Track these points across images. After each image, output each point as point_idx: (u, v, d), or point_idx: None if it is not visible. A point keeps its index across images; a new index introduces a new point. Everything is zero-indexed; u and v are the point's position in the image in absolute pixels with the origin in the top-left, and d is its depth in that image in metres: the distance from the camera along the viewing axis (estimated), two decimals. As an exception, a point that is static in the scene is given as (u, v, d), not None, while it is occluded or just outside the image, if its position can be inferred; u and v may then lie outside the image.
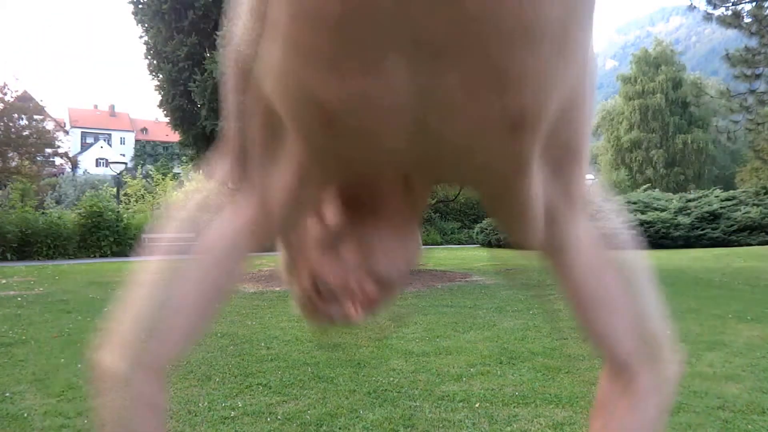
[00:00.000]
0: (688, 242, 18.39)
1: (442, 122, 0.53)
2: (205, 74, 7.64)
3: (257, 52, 0.57)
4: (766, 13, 12.55)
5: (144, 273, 0.75)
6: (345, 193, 0.72)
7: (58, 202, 27.12)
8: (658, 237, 18.52)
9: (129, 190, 22.41)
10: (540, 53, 0.48)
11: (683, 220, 18.63)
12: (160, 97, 8.97)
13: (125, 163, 22.56)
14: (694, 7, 13.70)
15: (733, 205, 19.26)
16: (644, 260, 0.77)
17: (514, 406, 2.91)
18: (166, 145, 67.92)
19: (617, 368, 0.77)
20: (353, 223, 0.72)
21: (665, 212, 19.27)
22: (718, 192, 20.90)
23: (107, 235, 16.48)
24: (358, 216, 0.71)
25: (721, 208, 19.09)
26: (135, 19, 8.97)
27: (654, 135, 44.92)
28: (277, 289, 8.07)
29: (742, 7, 13.19)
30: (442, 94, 0.50)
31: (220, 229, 0.73)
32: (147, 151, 68.95)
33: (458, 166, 0.60)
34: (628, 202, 21.34)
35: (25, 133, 20.99)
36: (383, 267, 0.71)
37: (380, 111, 0.53)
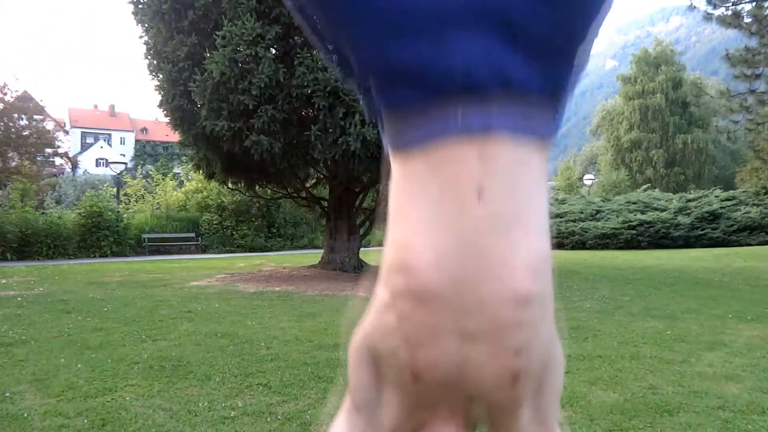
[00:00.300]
0: (688, 242, 18.40)
1: (475, 372, 0.72)
2: (205, 74, 7.63)
3: (377, 333, 0.76)
4: (766, 13, 12.55)
5: None
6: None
7: (58, 202, 27.11)
8: (658, 237, 18.53)
9: (129, 190, 22.39)
10: (529, 335, 0.65)
11: (683, 220, 18.64)
12: (160, 97, 8.97)
13: (125, 163, 22.53)
14: (694, 7, 13.71)
15: (733, 205, 19.27)
16: None
17: (514, 406, 2.91)
18: (166, 145, 67.90)
19: None
20: None
21: (665, 212, 19.27)
22: (718, 192, 20.91)
23: (107, 235, 16.48)
24: None
25: (721, 208, 19.09)
26: (135, 19, 8.96)
27: (654, 135, 44.94)
28: (277, 289, 8.07)
29: (742, 7, 13.19)
30: (476, 356, 0.69)
31: None
32: (147, 151, 68.96)
33: (482, 401, 0.82)
34: (629, 202, 21.37)
35: (25, 133, 20.99)
36: None
37: (444, 370, 0.70)
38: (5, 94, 20.17)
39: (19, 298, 7.18)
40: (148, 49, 8.96)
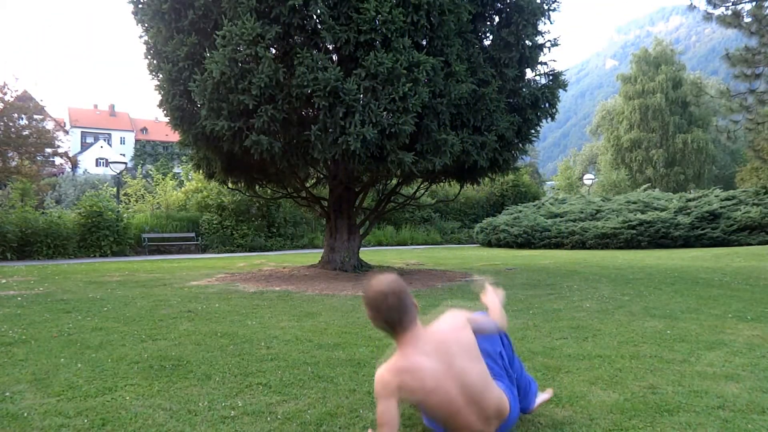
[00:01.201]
0: (688, 242, 18.40)
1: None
2: (205, 74, 7.62)
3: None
4: (766, 13, 12.54)
5: None
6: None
7: (58, 202, 27.09)
8: (658, 237, 18.53)
9: (129, 190, 22.38)
10: None
11: (683, 219, 18.64)
12: (160, 97, 8.96)
13: (125, 163, 22.51)
14: (694, 6, 13.70)
15: (733, 204, 19.27)
16: None
17: (514, 406, 2.90)
18: (166, 145, 67.90)
19: None
20: None
21: (665, 212, 19.27)
22: (718, 192, 20.92)
23: (107, 235, 16.49)
24: None
25: (721, 207, 19.09)
26: (135, 18, 8.95)
27: (654, 135, 44.94)
28: (277, 288, 8.07)
29: (742, 7, 13.18)
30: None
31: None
32: (147, 151, 68.98)
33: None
34: (628, 202, 21.36)
35: (25, 133, 20.96)
36: None
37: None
38: (5, 93, 20.16)
39: (19, 298, 7.18)
40: (148, 49, 8.96)
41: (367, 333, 4.85)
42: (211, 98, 7.70)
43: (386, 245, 22.29)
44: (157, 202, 21.12)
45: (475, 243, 23.74)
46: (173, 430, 2.64)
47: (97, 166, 59.57)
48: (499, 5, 9.44)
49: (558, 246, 19.86)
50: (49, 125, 24.07)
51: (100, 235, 16.37)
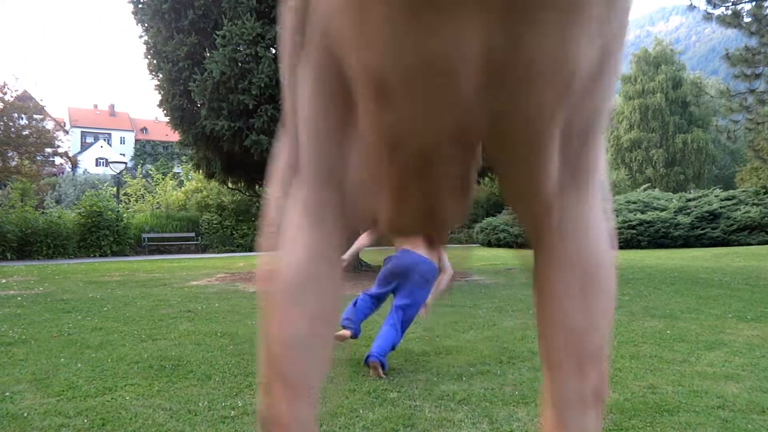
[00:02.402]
0: (688, 242, 18.40)
1: (506, 82, 0.53)
2: (205, 74, 7.63)
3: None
4: (766, 13, 12.55)
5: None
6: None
7: (58, 202, 27.12)
8: (658, 237, 18.53)
9: (129, 190, 22.39)
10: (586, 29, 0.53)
11: (683, 219, 18.64)
12: (160, 97, 8.97)
13: (125, 163, 22.51)
14: (694, 6, 13.71)
15: (732, 204, 19.28)
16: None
17: (513, 406, 2.90)
18: (166, 145, 67.90)
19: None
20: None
21: (665, 212, 19.27)
22: (717, 192, 20.92)
23: (107, 235, 16.49)
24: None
25: (720, 207, 19.10)
26: (135, 18, 8.96)
27: (654, 134, 44.93)
28: (277, 288, 8.06)
29: (742, 7, 13.19)
30: (516, 54, 0.49)
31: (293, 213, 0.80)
32: (147, 151, 68.96)
33: (507, 123, 0.61)
34: (628, 201, 21.36)
35: (25, 133, 20.96)
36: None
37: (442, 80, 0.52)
38: (5, 93, 20.16)
39: (19, 298, 7.18)
40: (148, 49, 8.96)
41: (367, 333, 4.85)
42: (211, 98, 7.70)
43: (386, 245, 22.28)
44: (157, 202, 21.13)
45: (475, 243, 23.74)
46: (173, 430, 2.64)
47: (97, 165, 59.57)
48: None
49: (558, 246, 19.85)
50: (49, 125, 24.08)
51: (100, 234, 16.37)
